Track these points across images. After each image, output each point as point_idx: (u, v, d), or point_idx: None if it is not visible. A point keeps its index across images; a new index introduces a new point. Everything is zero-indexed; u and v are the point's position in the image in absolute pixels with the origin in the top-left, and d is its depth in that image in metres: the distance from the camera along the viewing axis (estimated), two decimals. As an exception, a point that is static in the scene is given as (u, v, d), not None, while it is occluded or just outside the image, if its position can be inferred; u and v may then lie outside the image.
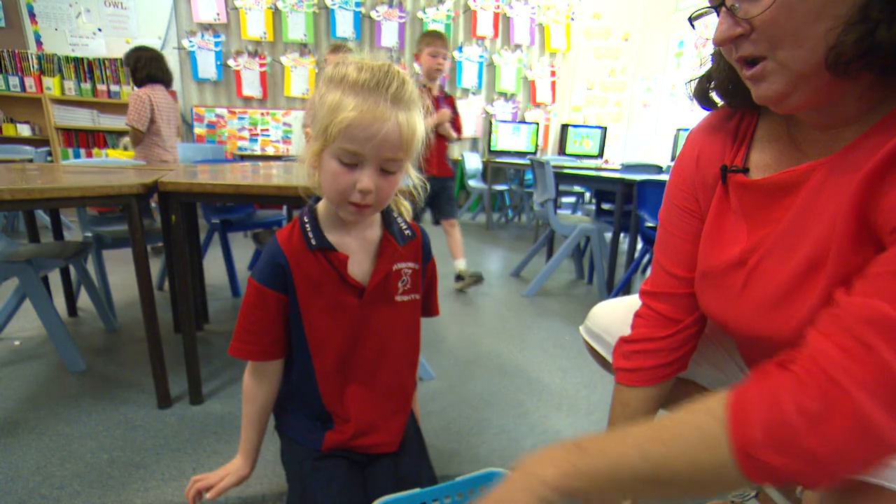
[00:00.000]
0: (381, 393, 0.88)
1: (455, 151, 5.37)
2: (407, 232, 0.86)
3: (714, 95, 0.68)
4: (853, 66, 0.48)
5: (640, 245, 2.57)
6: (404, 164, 0.75)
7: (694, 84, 0.70)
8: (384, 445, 0.88)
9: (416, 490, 0.80)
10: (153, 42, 4.57)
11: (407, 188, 0.86)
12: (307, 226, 0.80)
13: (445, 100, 2.65)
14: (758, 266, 0.62)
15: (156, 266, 2.41)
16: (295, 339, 0.83)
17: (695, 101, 0.71)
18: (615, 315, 0.92)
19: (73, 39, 4.40)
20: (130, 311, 2.11)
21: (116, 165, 2.14)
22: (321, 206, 0.83)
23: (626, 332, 0.86)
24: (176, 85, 4.71)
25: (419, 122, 0.73)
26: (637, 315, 0.82)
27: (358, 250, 0.82)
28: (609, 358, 0.90)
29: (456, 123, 2.62)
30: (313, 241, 0.78)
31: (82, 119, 4.40)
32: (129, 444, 1.21)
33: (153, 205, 2.37)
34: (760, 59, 0.52)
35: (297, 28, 4.91)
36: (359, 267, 0.82)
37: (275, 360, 0.85)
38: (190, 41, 4.69)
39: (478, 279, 2.55)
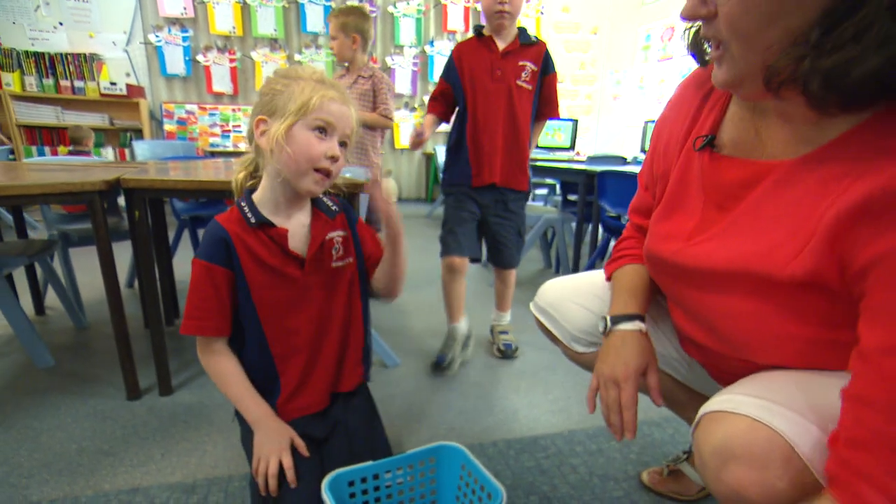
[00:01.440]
0: (321, 357, 0.95)
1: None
2: (333, 207, 0.96)
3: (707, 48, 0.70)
4: (785, 89, 0.51)
5: (602, 234, 2.66)
6: (348, 147, 0.89)
7: (689, 36, 0.70)
8: (317, 405, 0.95)
9: (369, 463, 0.86)
10: (118, 37, 4.50)
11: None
12: (245, 208, 0.87)
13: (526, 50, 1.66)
14: (709, 241, 0.66)
15: (125, 263, 2.41)
16: (245, 312, 0.89)
17: (690, 53, 0.71)
18: (563, 292, 0.99)
19: (33, 33, 4.30)
20: (100, 309, 2.12)
21: (82, 163, 2.14)
22: (257, 195, 0.90)
23: (572, 307, 0.94)
24: (143, 80, 4.66)
25: (358, 115, 0.90)
26: (623, 236, 0.94)
27: (293, 228, 0.90)
28: (554, 331, 0.97)
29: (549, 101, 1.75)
30: (252, 220, 0.86)
31: (46, 116, 4.31)
32: (98, 434, 1.25)
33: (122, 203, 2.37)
34: (720, 42, 0.55)
35: (266, 23, 4.87)
36: (296, 241, 0.90)
37: (224, 335, 0.90)
38: (157, 36, 4.62)
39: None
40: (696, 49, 0.69)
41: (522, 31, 1.63)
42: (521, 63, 1.59)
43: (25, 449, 1.18)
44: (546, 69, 1.65)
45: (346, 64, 2.34)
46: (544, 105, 1.72)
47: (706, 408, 0.60)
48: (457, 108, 1.70)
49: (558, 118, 1.77)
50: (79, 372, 1.58)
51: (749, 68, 0.53)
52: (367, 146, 2.37)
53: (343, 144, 0.87)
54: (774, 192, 0.59)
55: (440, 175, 5.40)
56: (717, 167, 0.67)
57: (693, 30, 0.67)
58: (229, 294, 0.87)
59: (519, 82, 1.60)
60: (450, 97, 1.70)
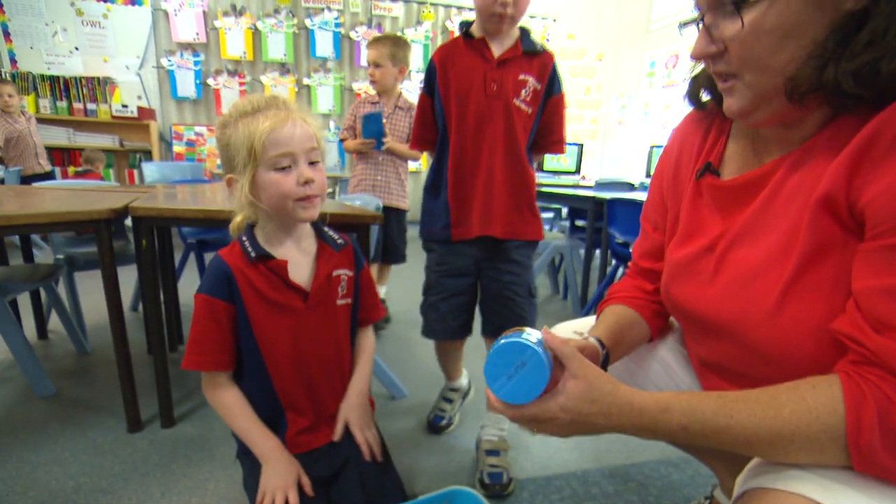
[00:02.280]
0: (326, 389, 0.94)
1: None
2: (339, 241, 0.94)
3: (703, 95, 0.73)
4: (808, 98, 0.52)
5: (612, 261, 2.63)
6: (321, 155, 0.86)
7: (687, 86, 0.73)
8: (325, 438, 0.93)
9: (379, 509, 0.82)
10: (131, 61, 4.58)
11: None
12: (245, 242, 0.86)
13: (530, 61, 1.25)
14: (727, 251, 0.65)
15: (130, 286, 2.39)
16: (246, 347, 0.87)
17: (688, 103, 0.75)
18: (569, 332, 0.95)
19: (49, 58, 4.39)
20: (103, 334, 2.09)
21: (91, 188, 2.14)
22: (258, 229, 0.89)
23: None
24: (154, 103, 4.73)
25: (315, 120, 0.86)
26: (621, 279, 0.91)
27: (296, 259, 0.88)
28: None
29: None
30: (252, 253, 0.85)
31: (58, 137, 4.36)
32: (96, 469, 1.21)
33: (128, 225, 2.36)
34: (731, 76, 0.57)
35: (276, 48, 4.96)
36: (300, 273, 0.88)
37: (226, 370, 0.88)
38: (169, 60, 4.70)
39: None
40: (692, 96, 0.73)
41: (525, 33, 1.20)
42: (521, 77, 1.17)
43: (20, 486, 1.14)
44: (552, 88, 1.21)
45: (370, 90, 2.35)
46: (547, 134, 1.26)
47: (751, 477, 0.55)
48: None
49: (562, 153, 1.33)
50: (80, 401, 1.55)
51: (764, 93, 0.55)
52: (402, 176, 2.36)
53: (313, 163, 0.84)
54: (790, 175, 0.58)
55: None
56: (723, 185, 0.68)
57: (692, 77, 0.72)
58: (231, 328, 0.86)
59: (517, 101, 1.17)
60: (433, 123, 1.28)
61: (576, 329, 0.92)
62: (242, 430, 0.87)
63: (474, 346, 1.57)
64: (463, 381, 1.50)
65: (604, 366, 0.75)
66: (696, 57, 0.60)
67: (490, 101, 1.17)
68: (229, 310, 0.85)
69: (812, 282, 0.55)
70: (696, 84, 0.72)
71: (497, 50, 1.17)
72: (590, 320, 0.95)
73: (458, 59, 1.19)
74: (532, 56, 1.19)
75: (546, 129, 1.26)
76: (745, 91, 0.56)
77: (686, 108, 0.80)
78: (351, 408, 0.95)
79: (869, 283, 0.49)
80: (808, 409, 0.48)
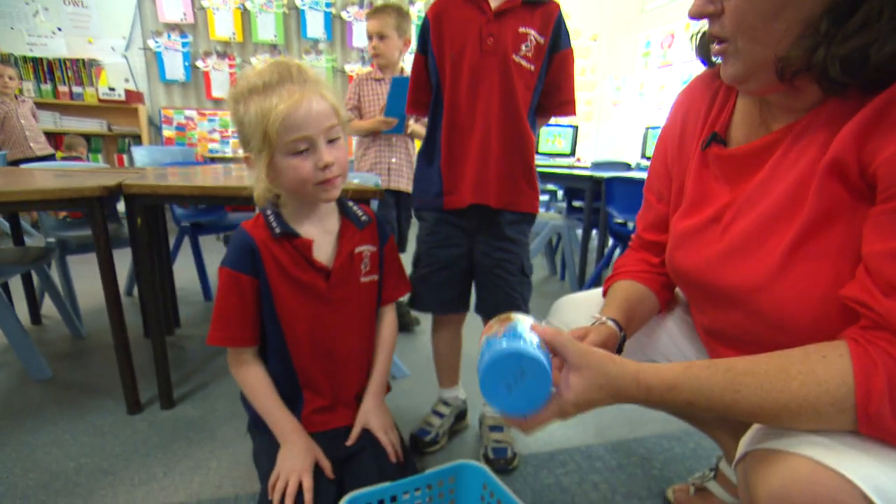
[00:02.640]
0: (346, 370, 0.93)
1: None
2: (363, 217, 0.92)
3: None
4: (799, 78, 0.51)
5: (609, 241, 2.63)
6: (342, 129, 0.81)
7: (697, 39, 0.70)
8: (342, 420, 0.93)
9: (386, 484, 0.81)
10: (117, 43, 4.47)
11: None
12: (270, 217, 0.84)
13: None
14: (733, 221, 0.64)
15: (125, 270, 2.35)
16: (267, 322, 0.86)
17: (698, 57, 0.72)
18: (580, 309, 0.94)
19: (31, 39, 4.26)
20: (98, 318, 2.06)
21: (81, 168, 2.09)
22: (282, 203, 0.86)
23: (588, 324, 0.89)
24: (142, 86, 4.62)
25: (331, 91, 0.81)
26: (626, 252, 0.90)
27: (320, 237, 0.86)
28: None
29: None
30: (277, 230, 0.82)
31: (44, 121, 4.25)
32: (97, 451, 1.19)
33: (122, 207, 2.32)
34: (725, 40, 0.56)
35: (266, 29, 4.85)
36: (322, 251, 0.86)
37: (251, 346, 0.87)
38: (156, 42, 4.58)
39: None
40: (703, 52, 0.70)
41: None
42: (522, 30, 1.06)
43: (20, 468, 1.12)
44: (557, 42, 1.09)
45: (373, 65, 2.15)
46: (553, 93, 1.13)
47: (754, 440, 0.54)
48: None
49: (573, 115, 1.18)
50: (77, 384, 1.53)
51: (756, 62, 0.54)
52: (412, 158, 2.14)
53: (333, 140, 0.80)
54: (798, 140, 0.57)
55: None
56: (729, 154, 0.67)
57: (700, 33, 0.69)
58: (255, 302, 0.84)
59: (517, 57, 1.06)
60: (429, 84, 1.17)
61: (585, 305, 0.92)
62: (264, 409, 0.86)
63: (472, 353, 1.55)
64: (458, 393, 1.33)
65: (620, 347, 0.75)
66: (694, 15, 0.59)
67: (486, 58, 1.06)
68: (254, 284, 0.83)
69: (818, 247, 0.55)
70: (707, 39, 0.68)
71: (494, 1, 1.06)
72: (596, 293, 0.94)
73: (453, 12, 1.09)
74: (534, 6, 1.07)
75: (552, 88, 1.13)
76: (738, 58, 0.56)
77: (681, 86, 0.78)
78: (370, 411, 0.94)
79: (879, 246, 0.48)
80: (817, 381, 0.47)
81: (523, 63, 1.07)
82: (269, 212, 0.85)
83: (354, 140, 2.25)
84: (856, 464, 0.45)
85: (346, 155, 0.82)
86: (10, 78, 3.45)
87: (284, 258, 0.83)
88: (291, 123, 0.74)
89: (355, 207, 0.92)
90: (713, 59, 0.70)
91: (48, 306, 2.06)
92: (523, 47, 1.06)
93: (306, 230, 0.85)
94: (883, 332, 0.47)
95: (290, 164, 0.77)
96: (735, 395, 0.51)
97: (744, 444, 0.56)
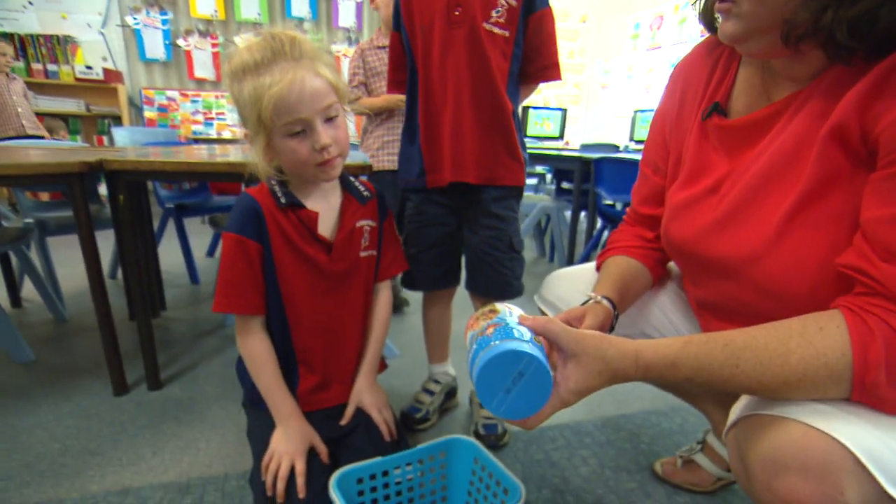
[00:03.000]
0: (343, 346, 0.92)
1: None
2: (365, 193, 0.91)
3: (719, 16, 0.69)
4: (804, 42, 0.50)
5: (598, 222, 2.64)
6: (341, 106, 0.79)
7: (700, 5, 0.69)
8: (337, 398, 0.93)
9: (378, 459, 0.81)
10: (93, 19, 4.32)
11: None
12: (276, 187, 0.82)
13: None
14: (731, 190, 0.64)
15: (107, 254, 2.31)
16: (269, 292, 0.85)
17: (700, 22, 0.71)
18: (572, 284, 0.94)
19: (1, 13, 4.09)
20: (81, 301, 2.02)
21: (60, 147, 2.03)
22: (286, 175, 0.84)
23: (578, 299, 0.89)
24: (121, 65, 4.49)
25: (328, 66, 0.77)
26: (619, 228, 0.90)
27: (323, 210, 0.85)
28: None
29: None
30: (283, 200, 0.81)
31: (18, 101, 4.12)
32: (83, 432, 1.18)
33: (103, 191, 2.26)
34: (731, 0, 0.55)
35: (250, 7, 4.72)
36: (325, 225, 0.85)
37: (259, 314, 0.85)
38: (134, 18, 4.44)
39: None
40: (706, 17, 0.68)
41: None
42: None
43: (3, 449, 1.10)
44: (531, 4, 1.04)
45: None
46: (534, 58, 1.09)
47: (746, 408, 0.55)
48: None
49: (558, 79, 1.12)
50: (60, 367, 1.50)
51: (759, 23, 0.54)
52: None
53: (331, 119, 0.77)
54: (800, 111, 0.57)
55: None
56: (730, 125, 0.66)
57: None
58: (261, 270, 0.83)
59: (488, 25, 1.01)
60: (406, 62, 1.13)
61: (577, 280, 0.92)
62: (265, 387, 0.85)
63: (461, 330, 1.55)
64: (448, 368, 1.33)
65: (613, 325, 0.75)
66: None
67: (454, 29, 1.01)
68: (259, 249, 0.81)
69: (816, 215, 0.55)
70: (709, 2, 0.67)
71: None
72: (587, 267, 0.94)
73: None
74: None
75: (533, 53, 1.08)
76: (741, 19, 0.55)
77: (669, 69, 0.76)
78: (364, 390, 0.93)
79: (878, 212, 0.48)
80: (816, 355, 0.48)
81: (496, 30, 1.02)
82: (274, 182, 0.83)
83: (365, 118, 2.09)
84: (846, 427, 0.46)
85: (346, 133, 0.80)
86: (3, 54, 3.38)
87: (289, 228, 0.82)
88: (285, 106, 0.72)
89: (357, 182, 0.91)
90: (716, 23, 0.67)
91: (29, 290, 2.01)
92: (494, 13, 1.02)
93: (310, 203, 0.84)
94: (879, 298, 0.47)
95: (287, 145, 0.76)
96: (734, 369, 0.51)
97: (735, 411, 0.57)
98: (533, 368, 0.51)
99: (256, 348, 0.84)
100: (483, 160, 1.08)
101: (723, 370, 0.51)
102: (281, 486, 0.77)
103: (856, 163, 0.51)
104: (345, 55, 5.12)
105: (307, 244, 0.84)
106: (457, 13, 1.01)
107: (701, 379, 0.53)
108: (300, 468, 0.78)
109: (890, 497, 0.44)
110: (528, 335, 0.55)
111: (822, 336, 0.48)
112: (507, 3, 1.02)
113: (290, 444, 0.80)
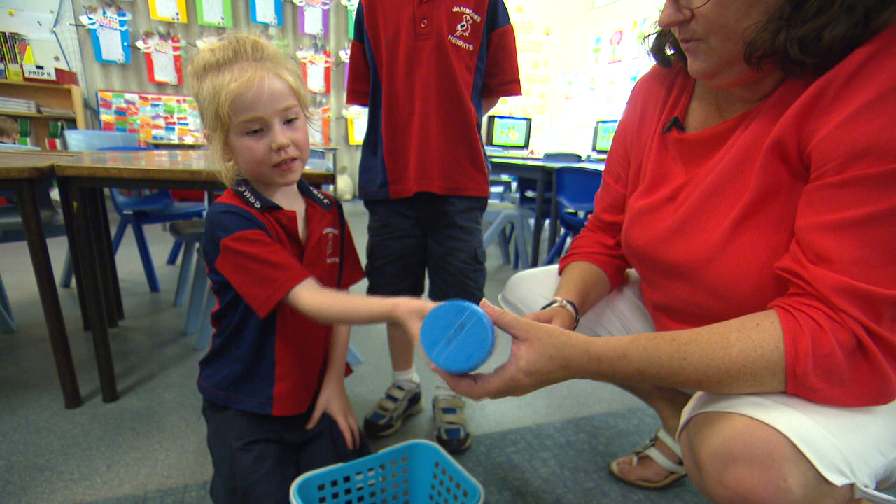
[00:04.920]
0: (312, 351, 0.93)
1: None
2: (325, 200, 0.92)
3: (668, 49, 0.74)
4: (765, 62, 0.55)
5: (561, 230, 2.71)
6: (302, 111, 0.79)
7: (651, 40, 0.74)
8: (302, 404, 0.92)
9: (339, 465, 0.82)
10: (44, 16, 4.16)
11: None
12: (246, 193, 0.81)
13: None
14: (687, 199, 0.68)
15: (61, 261, 2.22)
16: None
17: (651, 56, 0.76)
18: (532, 286, 0.98)
19: (-54, 10, 3.90)
20: (30, 311, 1.94)
21: (11, 150, 1.95)
22: (252, 181, 0.84)
23: (543, 303, 0.92)
24: (76, 66, 4.34)
25: (291, 71, 0.78)
26: (581, 234, 0.94)
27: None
28: None
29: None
30: (257, 204, 0.80)
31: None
32: (31, 447, 1.13)
33: (55, 198, 2.18)
34: (697, 39, 0.60)
35: (213, 10, 4.65)
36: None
37: (305, 277, 0.78)
38: (90, 18, 4.30)
39: None
40: (658, 53, 0.74)
41: None
42: (456, 9, 1.04)
43: (-56, 467, 1.05)
44: (495, 19, 1.08)
45: None
46: (496, 74, 1.13)
47: (695, 408, 0.59)
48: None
49: (518, 94, 1.17)
50: (7, 380, 1.43)
51: (729, 56, 0.58)
52: None
53: (291, 121, 0.78)
54: (749, 128, 0.62)
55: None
56: (687, 139, 0.71)
57: (653, 35, 0.73)
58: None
59: (453, 38, 1.04)
60: (367, 72, 1.15)
61: (538, 282, 0.95)
62: (364, 309, 0.75)
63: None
64: (412, 376, 1.34)
65: (575, 328, 0.78)
66: (664, 25, 0.62)
67: (420, 41, 1.04)
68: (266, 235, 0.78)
69: (758, 222, 0.60)
70: (662, 39, 0.73)
71: None
72: (547, 270, 0.97)
73: None
74: None
75: (495, 69, 1.12)
76: (710, 54, 0.59)
77: (630, 82, 0.82)
78: (332, 395, 0.94)
79: (809, 220, 0.53)
80: (753, 347, 0.52)
81: (461, 43, 1.05)
82: (242, 188, 0.82)
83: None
84: (785, 417, 0.50)
85: (306, 137, 0.80)
86: None
87: (269, 230, 0.80)
88: (242, 103, 0.73)
89: (316, 191, 0.92)
90: (668, 58, 0.75)
91: (-28, 299, 1.91)
92: (459, 27, 1.04)
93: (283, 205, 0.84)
94: (808, 297, 0.52)
95: (243, 143, 0.76)
96: (682, 362, 0.54)
97: (686, 412, 0.61)
98: (474, 321, 0.55)
99: (325, 299, 0.77)
100: (448, 171, 1.10)
101: (672, 362, 0.55)
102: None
103: (794, 175, 0.57)
104: (311, 62, 5.10)
105: (284, 247, 0.83)
106: (423, 25, 1.03)
107: (651, 371, 0.56)
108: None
109: (827, 480, 0.49)
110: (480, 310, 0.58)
111: (758, 331, 0.52)
112: (471, 17, 1.05)
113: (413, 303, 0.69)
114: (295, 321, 0.87)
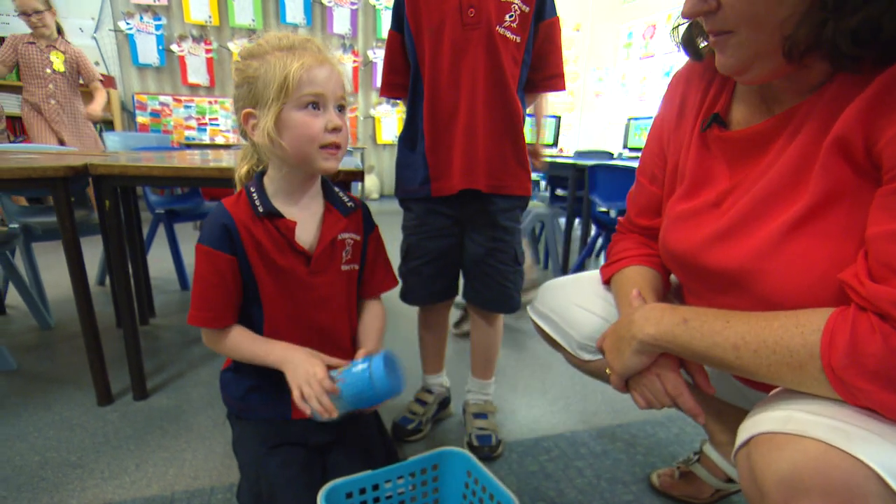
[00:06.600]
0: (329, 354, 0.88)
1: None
2: (349, 204, 0.88)
3: (700, 43, 0.69)
4: (807, 56, 0.50)
5: (593, 229, 2.63)
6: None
7: (682, 31, 0.69)
8: None
9: (368, 472, 0.79)
10: (85, 23, 4.30)
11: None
12: (254, 194, 0.80)
13: None
14: (735, 204, 0.62)
15: (96, 259, 2.27)
16: (251, 303, 0.83)
17: (681, 49, 0.71)
18: (565, 295, 0.92)
19: (-7, 18, 4.06)
20: (66, 308, 1.98)
21: (47, 151, 2.00)
22: (268, 179, 0.82)
23: (577, 312, 0.87)
24: (114, 70, 4.48)
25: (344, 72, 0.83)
26: (617, 239, 0.89)
27: (303, 219, 0.82)
28: (556, 337, 0.90)
29: None
30: (260, 208, 0.79)
31: (10, 105, 4.08)
32: (64, 443, 1.14)
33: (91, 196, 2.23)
34: (726, 31, 0.54)
35: (244, 12, 4.72)
36: (305, 235, 0.83)
37: (230, 324, 0.82)
38: (127, 23, 4.43)
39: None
40: (689, 45, 0.69)
41: None
42: None
43: (-20, 462, 1.07)
44: (542, 10, 1.03)
45: None
46: (542, 68, 1.08)
47: (757, 426, 0.52)
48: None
49: (562, 90, 1.12)
50: (43, 376, 1.46)
51: (760, 49, 0.53)
52: None
53: (341, 108, 0.79)
54: (803, 125, 0.56)
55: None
56: (731, 137, 0.65)
57: (684, 26, 0.67)
58: (235, 280, 0.80)
59: (501, 29, 0.99)
60: (405, 64, 1.09)
61: (571, 293, 0.90)
62: (251, 355, 0.81)
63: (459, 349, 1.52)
64: (442, 379, 1.31)
65: None
66: (688, 15, 0.57)
67: (468, 31, 0.98)
68: (232, 262, 0.79)
69: (819, 228, 0.53)
70: (692, 30, 0.67)
71: None
72: (581, 277, 0.92)
73: None
74: None
75: (540, 62, 1.07)
76: (739, 48, 0.54)
77: (663, 77, 0.76)
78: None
79: (882, 227, 0.47)
80: (796, 323, 0.50)
81: (508, 35, 1.00)
82: (252, 189, 0.81)
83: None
84: (867, 445, 0.44)
85: (349, 130, 0.81)
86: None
87: (265, 239, 0.79)
88: (311, 77, 0.74)
89: (341, 193, 0.88)
90: (700, 50, 0.69)
91: (13, 296, 1.97)
92: (507, 17, 0.99)
93: (290, 210, 0.81)
94: (867, 314, 0.46)
95: (300, 118, 0.75)
96: (725, 323, 0.56)
97: (745, 429, 0.54)
98: (394, 363, 0.79)
99: (229, 342, 0.82)
100: (493, 168, 1.05)
101: (716, 320, 0.57)
102: (325, 400, 0.73)
103: (861, 175, 0.50)
104: (339, 62, 5.12)
105: (284, 255, 0.81)
106: (470, 14, 0.97)
107: (696, 322, 0.58)
108: (321, 375, 0.75)
109: None
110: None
111: (806, 314, 0.51)
112: (520, 7, 1.00)
113: (301, 368, 0.76)
114: (296, 331, 0.84)
